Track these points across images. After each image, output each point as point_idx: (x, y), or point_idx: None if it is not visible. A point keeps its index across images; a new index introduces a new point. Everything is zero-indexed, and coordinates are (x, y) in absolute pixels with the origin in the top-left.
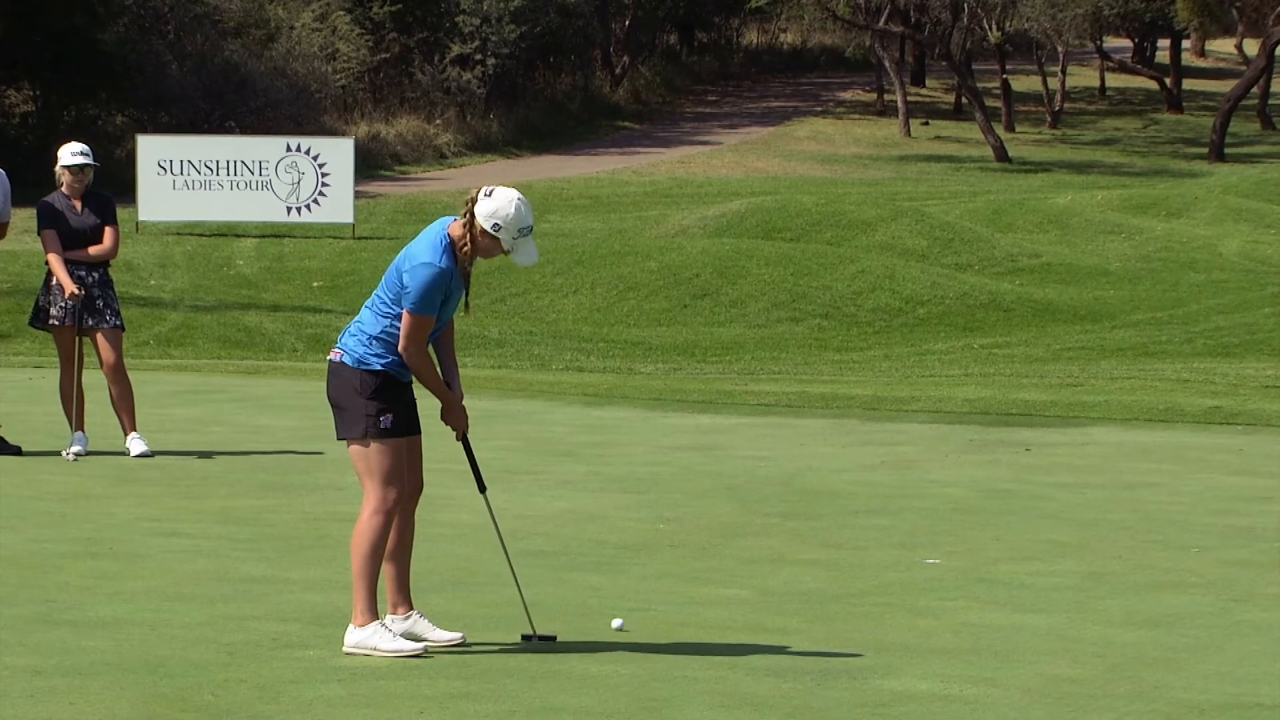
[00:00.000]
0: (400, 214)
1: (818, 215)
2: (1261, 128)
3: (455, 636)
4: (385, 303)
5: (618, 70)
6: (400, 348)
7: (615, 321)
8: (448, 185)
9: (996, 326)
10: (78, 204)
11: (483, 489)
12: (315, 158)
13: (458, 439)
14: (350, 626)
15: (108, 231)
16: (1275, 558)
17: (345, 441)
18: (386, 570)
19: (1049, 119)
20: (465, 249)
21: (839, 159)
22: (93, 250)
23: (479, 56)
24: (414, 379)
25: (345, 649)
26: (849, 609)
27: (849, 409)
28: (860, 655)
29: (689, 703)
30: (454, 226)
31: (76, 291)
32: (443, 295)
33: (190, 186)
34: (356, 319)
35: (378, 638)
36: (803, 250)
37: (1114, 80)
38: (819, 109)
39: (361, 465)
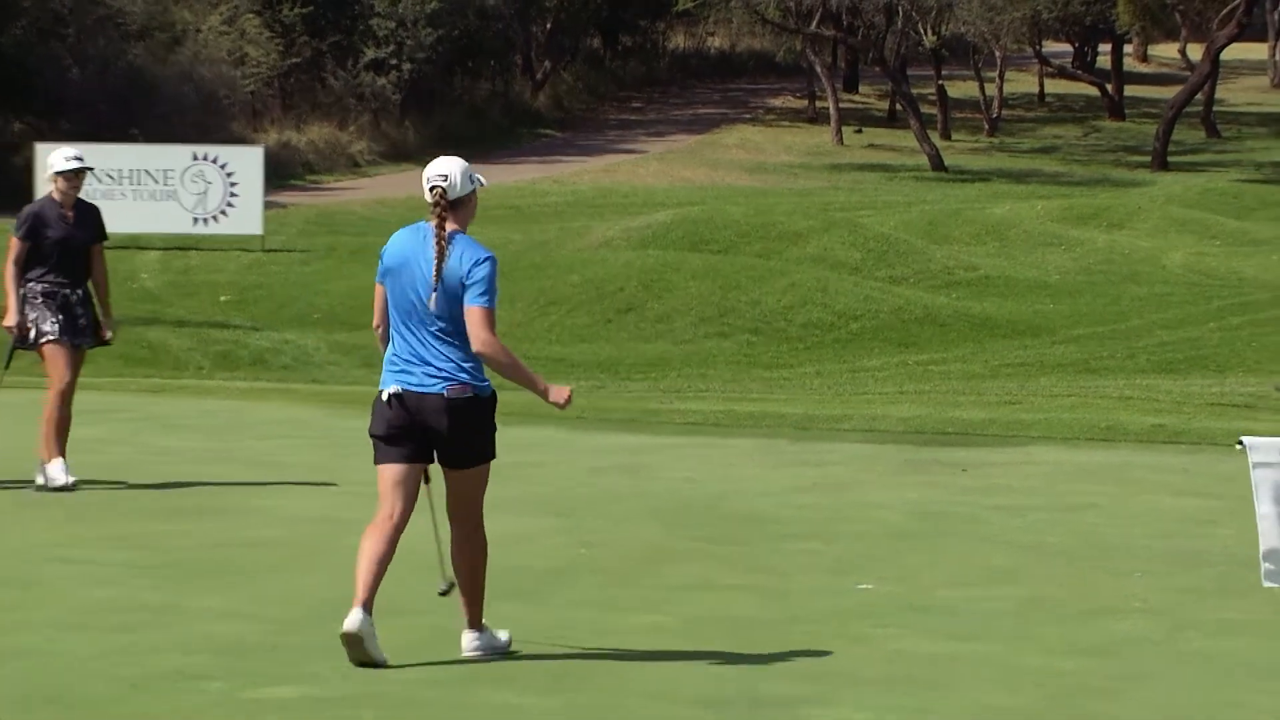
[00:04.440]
0: (312, 225)
1: (747, 226)
2: (1206, 135)
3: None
4: (456, 320)
5: (539, 76)
6: (483, 342)
7: (536, 337)
8: (361, 195)
9: (932, 342)
10: (70, 213)
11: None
12: (223, 167)
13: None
14: (466, 633)
15: (96, 252)
16: (1220, 583)
17: (467, 469)
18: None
19: (986, 126)
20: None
21: (769, 168)
22: (101, 284)
23: (394, 61)
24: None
25: (466, 653)
26: (779, 637)
27: (779, 428)
28: (791, 684)
29: None
30: (454, 221)
31: (11, 325)
32: None
33: (92, 197)
34: (436, 351)
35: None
36: (731, 263)
37: (1053, 86)
38: (748, 116)
39: (480, 485)
